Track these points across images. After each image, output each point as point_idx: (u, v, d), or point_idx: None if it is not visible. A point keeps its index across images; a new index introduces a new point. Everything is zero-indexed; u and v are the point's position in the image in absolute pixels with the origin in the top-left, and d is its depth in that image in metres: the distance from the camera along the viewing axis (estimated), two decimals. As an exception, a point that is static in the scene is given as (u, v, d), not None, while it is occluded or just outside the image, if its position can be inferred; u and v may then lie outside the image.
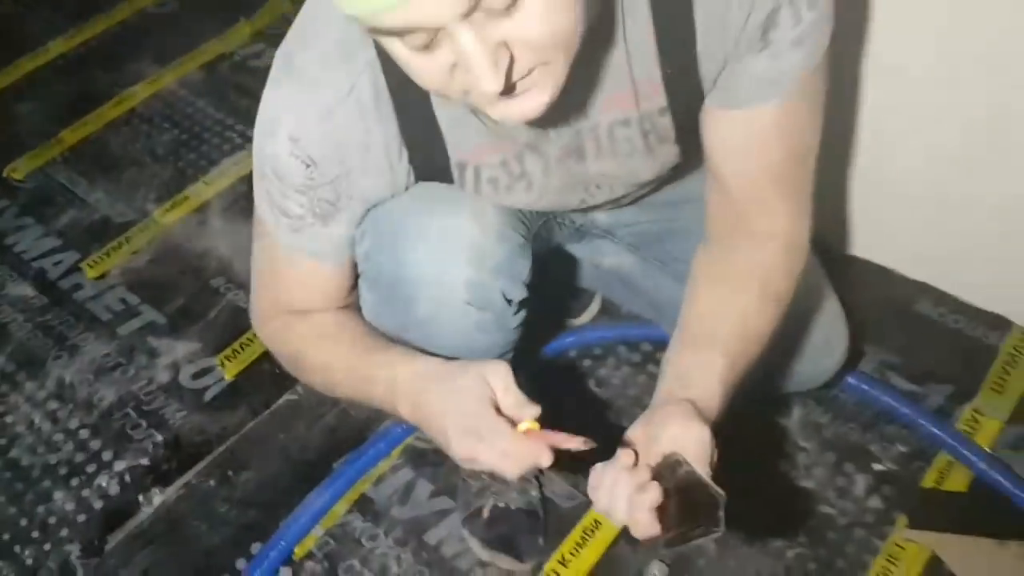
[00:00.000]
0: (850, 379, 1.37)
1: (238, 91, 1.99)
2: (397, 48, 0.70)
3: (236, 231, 1.72)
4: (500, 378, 0.84)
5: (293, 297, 1.00)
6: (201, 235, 1.72)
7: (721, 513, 0.74)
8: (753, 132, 0.91)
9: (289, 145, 0.86)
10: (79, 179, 1.85)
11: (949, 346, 1.43)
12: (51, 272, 1.68)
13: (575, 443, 0.80)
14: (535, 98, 0.73)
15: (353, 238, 0.95)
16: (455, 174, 0.94)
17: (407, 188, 0.94)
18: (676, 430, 0.81)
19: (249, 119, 1.90)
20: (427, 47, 0.68)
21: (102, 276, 1.66)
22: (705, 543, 0.72)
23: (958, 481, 1.30)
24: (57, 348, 1.56)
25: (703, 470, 0.79)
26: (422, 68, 0.71)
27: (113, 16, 2.19)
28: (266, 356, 1.49)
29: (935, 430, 1.32)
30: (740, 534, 1.27)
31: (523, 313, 1.03)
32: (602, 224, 1.26)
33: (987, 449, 1.32)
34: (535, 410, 0.83)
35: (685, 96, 0.90)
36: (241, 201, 1.77)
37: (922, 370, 1.42)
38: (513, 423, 0.83)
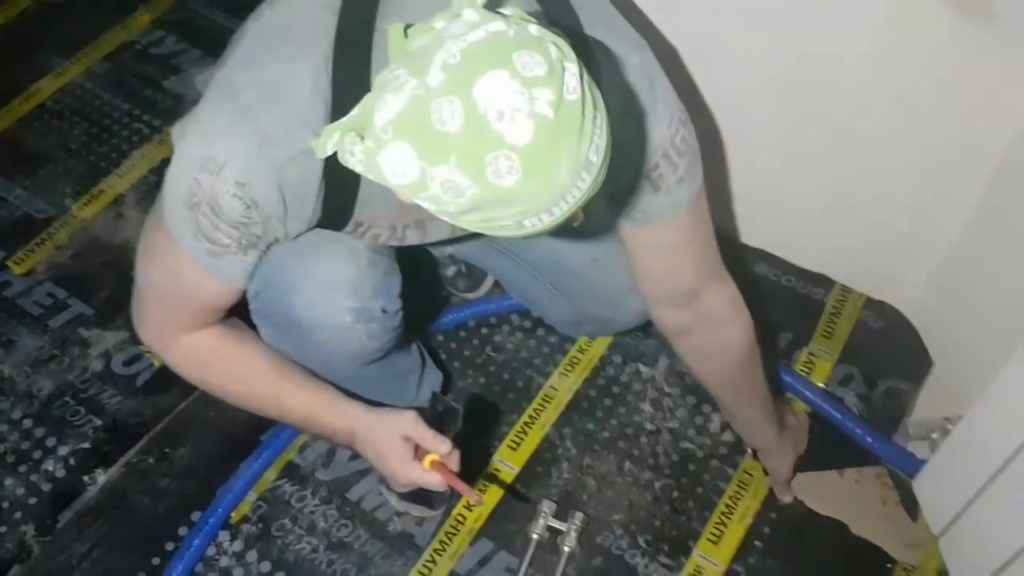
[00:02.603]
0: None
1: (142, 81, 2.05)
2: None
3: (153, 222, 1.81)
4: (410, 425, 1.07)
5: (192, 314, 1.08)
6: (119, 227, 1.80)
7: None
8: (671, 240, 1.13)
9: (235, 187, 0.91)
10: (-2, 177, 1.89)
11: (785, 301, 1.64)
12: (-21, 271, 1.73)
13: (464, 491, 1.06)
14: None
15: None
16: (349, 228, 1.06)
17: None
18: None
19: (155, 109, 2.00)
20: None
21: (29, 272, 1.73)
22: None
23: (798, 414, 1.52)
24: (-7, 344, 1.64)
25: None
26: None
27: (13, 8, 2.19)
28: (191, 341, 1.63)
29: (778, 371, 1.53)
30: (616, 470, 1.48)
31: (401, 314, 1.19)
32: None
33: (821, 385, 1.54)
34: (444, 447, 1.07)
35: None
36: (154, 191, 1.81)
37: (766, 320, 1.62)
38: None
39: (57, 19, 2.19)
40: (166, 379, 1.59)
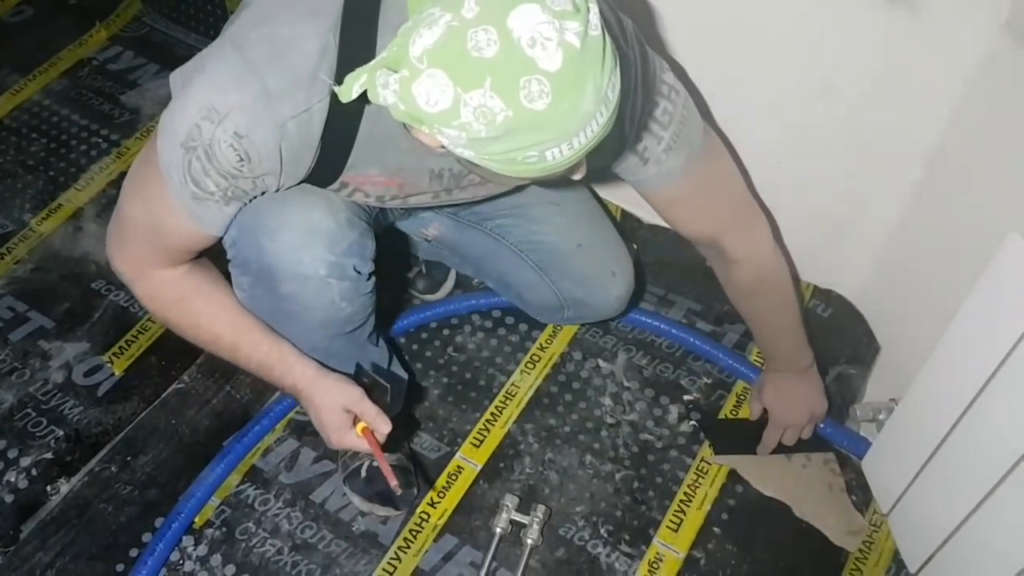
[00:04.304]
0: (662, 324, 1.61)
1: (99, 96, 2.06)
2: None
3: (112, 235, 1.81)
4: (354, 402, 1.18)
5: (165, 251, 1.11)
6: (78, 240, 1.80)
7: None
8: (674, 200, 1.20)
9: (233, 138, 0.94)
10: (-45, 194, 1.88)
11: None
12: (-62, 287, 1.72)
13: (384, 467, 1.17)
14: None
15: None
16: (335, 187, 1.10)
17: None
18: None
19: (112, 124, 2.00)
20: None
21: (-12, 287, 1.73)
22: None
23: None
24: (-47, 359, 1.63)
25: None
26: None
27: (-32, 27, 2.18)
28: (152, 350, 1.63)
29: (732, 362, 1.58)
30: (577, 463, 1.50)
31: (373, 279, 1.22)
32: None
33: (775, 374, 1.57)
34: (386, 428, 1.18)
35: None
36: (113, 205, 1.84)
37: (718, 314, 1.67)
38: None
39: (13, 38, 2.19)
40: (126, 388, 1.59)
